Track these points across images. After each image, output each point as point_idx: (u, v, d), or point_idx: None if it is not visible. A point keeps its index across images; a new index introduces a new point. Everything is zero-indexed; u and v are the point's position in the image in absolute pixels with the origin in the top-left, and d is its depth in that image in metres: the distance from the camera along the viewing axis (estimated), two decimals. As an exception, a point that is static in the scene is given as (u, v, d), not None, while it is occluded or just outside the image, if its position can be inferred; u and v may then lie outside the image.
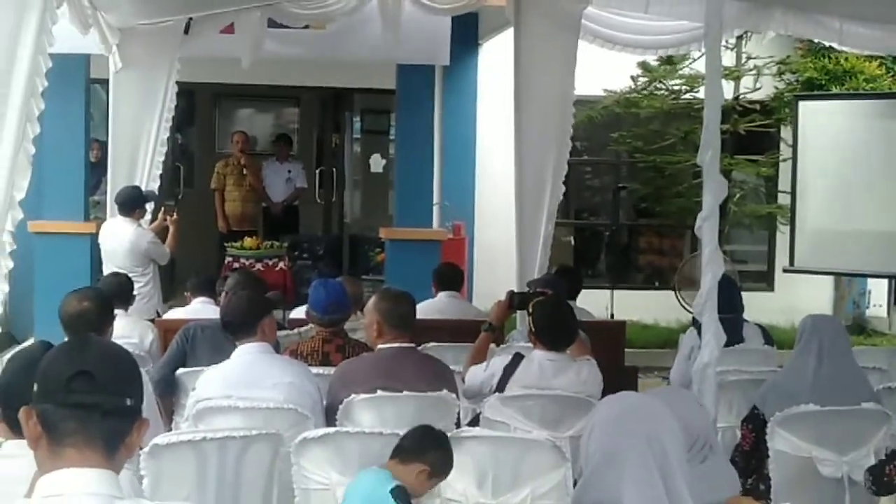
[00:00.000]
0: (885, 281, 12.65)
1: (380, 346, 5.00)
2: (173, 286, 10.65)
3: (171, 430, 5.15)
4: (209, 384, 4.72)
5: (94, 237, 9.05)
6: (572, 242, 13.96)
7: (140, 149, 8.75)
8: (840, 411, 4.62)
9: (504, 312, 5.89)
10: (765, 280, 13.58)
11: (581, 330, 5.55)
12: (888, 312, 13.40)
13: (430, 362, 5.16)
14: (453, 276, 7.66)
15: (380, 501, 3.74)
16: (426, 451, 3.89)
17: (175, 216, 8.86)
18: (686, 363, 6.06)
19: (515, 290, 6.27)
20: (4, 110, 4.11)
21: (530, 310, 5.31)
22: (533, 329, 5.22)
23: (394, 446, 3.97)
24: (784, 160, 12.12)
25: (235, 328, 4.94)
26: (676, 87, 12.43)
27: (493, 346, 5.86)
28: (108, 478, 2.04)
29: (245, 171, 12.11)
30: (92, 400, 2.04)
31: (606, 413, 2.62)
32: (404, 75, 10.23)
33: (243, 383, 4.66)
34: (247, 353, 4.81)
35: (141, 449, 4.22)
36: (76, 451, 2.03)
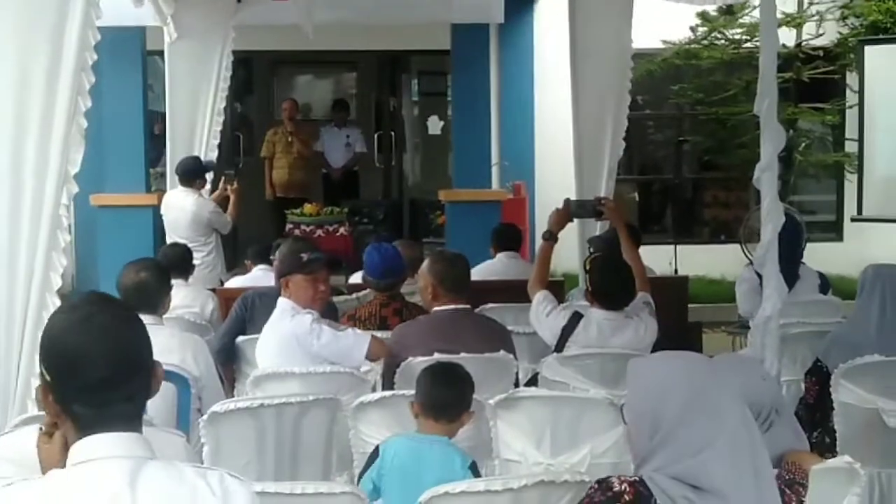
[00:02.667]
0: (958, 226, 12.36)
1: (436, 308, 4.99)
2: (236, 255, 10.74)
3: (233, 397, 5.20)
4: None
5: (156, 209, 9.16)
6: (636, 198, 13.81)
7: (197, 119, 8.84)
8: (905, 361, 4.53)
9: (563, 219, 5.86)
10: (834, 230, 13.34)
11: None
12: (962, 259, 13.10)
13: (487, 323, 5.15)
14: (512, 237, 7.61)
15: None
16: (466, 399, 3.85)
17: (235, 185, 8.91)
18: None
19: (571, 198, 6.20)
20: (55, 86, 4.13)
21: (587, 267, 5.26)
22: (590, 288, 5.17)
23: (426, 403, 3.82)
24: (850, 107, 11.88)
25: None
26: (737, 37, 12.20)
27: (558, 306, 5.71)
28: (135, 440, 2.05)
29: (291, 139, 12.13)
30: (110, 398, 2.05)
31: (681, 372, 2.56)
32: (459, 35, 10.15)
33: None
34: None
35: (200, 413, 4.28)
36: (100, 426, 2.05)
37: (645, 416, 2.53)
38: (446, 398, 3.82)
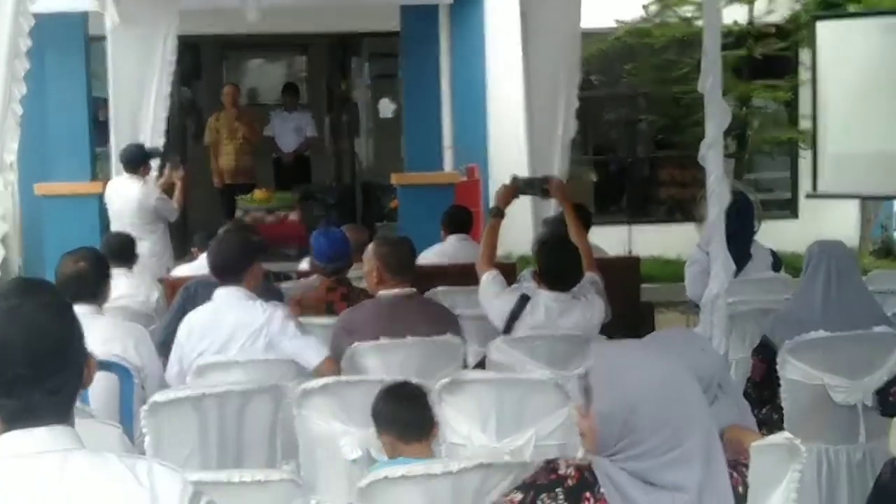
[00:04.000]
0: (912, 202, 12.46)
1: (381, 292, 4.94)
2: (185, 243, 10.62)
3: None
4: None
5: (101, 197, 9.00)
6: (594, 179, 13.76)
7: (142, 105, 8.71)
8: (851, 336, 4.51)
9: (509, 195, 5.83)
10: (789, 207, 13.41)
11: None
12: (916, 234, 13.21)
13: (433, 307, 5.12)
14: (462, 219, 7.54)
15: None
16: (431, 411, 3.76)
17: (181, 171, 8.79)
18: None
19: (518, 175, 6.16)
20: (-12, 73, 4.06)
21: (535, 249, 5.23)
22: (537, 270, 5.15)
23: (401, 429, 3.65)
24: (803, 83, 11.90)
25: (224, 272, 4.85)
26: (688, 15, 12.18)
27: (507, 288, 5.67)
28: (59, 433, 1.99)
29: (237, 124, 11.98)
30: (34, 393, 1.98)
31: (658, 382, 2.44)
32: (408, 16, 10.07)
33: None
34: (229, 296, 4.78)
35: (144, 403, 4.20)
36: (27, 420, 1.99)
37: (613, 421, 2.42)
38: (415, 416, 3.65)
